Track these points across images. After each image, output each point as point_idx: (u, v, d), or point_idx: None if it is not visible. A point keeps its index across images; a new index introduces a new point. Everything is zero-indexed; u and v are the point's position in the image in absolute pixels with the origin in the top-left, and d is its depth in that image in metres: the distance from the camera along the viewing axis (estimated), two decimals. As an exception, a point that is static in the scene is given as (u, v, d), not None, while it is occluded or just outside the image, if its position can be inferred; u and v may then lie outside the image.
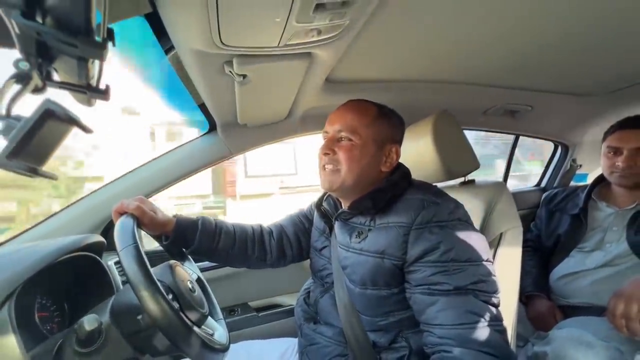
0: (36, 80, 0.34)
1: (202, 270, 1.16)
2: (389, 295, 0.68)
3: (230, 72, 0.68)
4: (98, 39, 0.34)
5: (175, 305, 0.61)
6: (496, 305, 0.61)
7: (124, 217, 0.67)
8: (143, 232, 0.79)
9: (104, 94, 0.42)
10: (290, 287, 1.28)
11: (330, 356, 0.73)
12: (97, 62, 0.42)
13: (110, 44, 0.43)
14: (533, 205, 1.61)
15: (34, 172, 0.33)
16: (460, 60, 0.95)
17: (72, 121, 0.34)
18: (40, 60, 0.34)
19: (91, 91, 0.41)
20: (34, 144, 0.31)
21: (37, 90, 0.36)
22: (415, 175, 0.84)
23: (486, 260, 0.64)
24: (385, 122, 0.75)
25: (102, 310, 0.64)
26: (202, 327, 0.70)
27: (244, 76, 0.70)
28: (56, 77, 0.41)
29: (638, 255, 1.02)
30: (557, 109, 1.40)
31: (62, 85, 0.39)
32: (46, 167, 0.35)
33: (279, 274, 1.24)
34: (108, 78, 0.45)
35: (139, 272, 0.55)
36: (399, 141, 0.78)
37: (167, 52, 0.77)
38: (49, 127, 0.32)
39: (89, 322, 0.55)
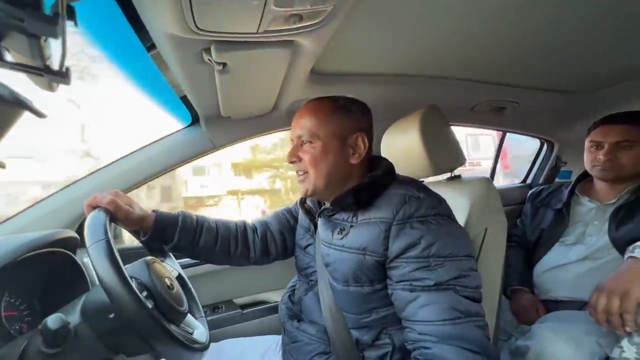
0: (-19, 58, 0.31)
1: (186, 266, 1.13)
2: (371, 292, 0.67)
3: (209, 60, 0.65)
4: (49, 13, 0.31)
5: (150, 303, 0.58)
6: (478, 300, 0.61)
7: (96, 210, 0.64)
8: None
9: (64, 77, 0.39)
10: (276, 284, 1.26)
11: (313, 354, 0.72)
12: (55, 42, 0.38)
13: (72, 25, 0.40)
14: (519, 201, 1.63)
15: None
16: (449, 55, 0.94)
17: (20, 104, 0.31)
18: (-15, 36, 0.31)
19: (49, 73, 0.38)
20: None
21: (-16, 70, 0.33)
22: (402, 170, 0.83)
23: (468, 255, 0.63)
24: (343, 115, 0.73)
25: (71, 309, 0.61)
26: (181, 325, 0.67)
27: (224, 65, 0.67)
28: (8, 57, 0.37)
29: (618, 249, 1.04)
30: (543, 106, 1.42)
31: (15, 66, 0.36)
32: None
33: (264, 271, 1.22)
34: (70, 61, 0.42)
35: (109, 269, 0.52)
36: (364, 129, 0.75)
37: (149, 48, 0.74)
38: (-7, 109, 0.29)
39: (53, 321, 0.53)
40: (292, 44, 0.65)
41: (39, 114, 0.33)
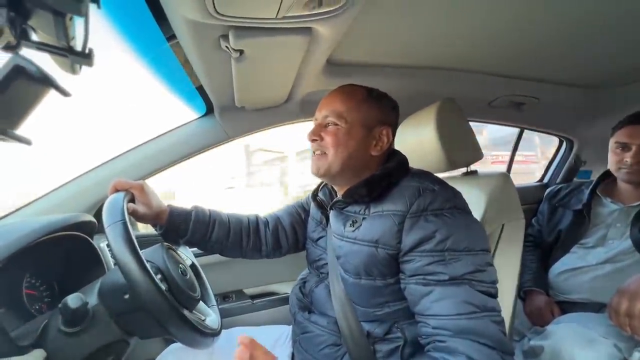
0: (8, 35, 0.32)
1: (198, 256, 1.15)
2: (383, 286, 0.66)
3: (226, 47, 0.65)
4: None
5: (164, 286, 0.59)
6: (493, 296, 0.59)
7: (116, 193, 0.66)
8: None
9: (87, 58, 0.39)
10: (286, 276, 1.26)
11: (324, 345, 0.72)
12: (79, 22, 0.39)
13: (95, 6, 0.40)
14: (535, 200, 1.59)
15: (3, 133, 0.30)
16: (468, 47, 0.91)
17: (47, 81, 0.31)
18: (12, 13, 0.31)
19: (73, 54, 0.38)
20: (3, 103, 0.29)
21: (11, 47, 0.33)
22: (416, 164, 0.81)
23: (484, 250, 0.61)
24: (373, 105, 0.73)
25: (90, 290, 0.63)
26: (193, 311, 0.68)
27: (241, 52, 0.67)
28: (34, 37, 0.38)
29: None
30: (563, 102, 1.37)
31: (40, 46, 0.36)
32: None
33: (275, 263, 1.22)
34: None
35: (125, 248, 0.53)
36: (390, 124, 0.75)
37: (169, 39, 0.75)
38: (20, 86, 0.30)
39: (72, 300, 0.54)
40: (309, 32, 0.64)
41: (65, 93, 0.33)
